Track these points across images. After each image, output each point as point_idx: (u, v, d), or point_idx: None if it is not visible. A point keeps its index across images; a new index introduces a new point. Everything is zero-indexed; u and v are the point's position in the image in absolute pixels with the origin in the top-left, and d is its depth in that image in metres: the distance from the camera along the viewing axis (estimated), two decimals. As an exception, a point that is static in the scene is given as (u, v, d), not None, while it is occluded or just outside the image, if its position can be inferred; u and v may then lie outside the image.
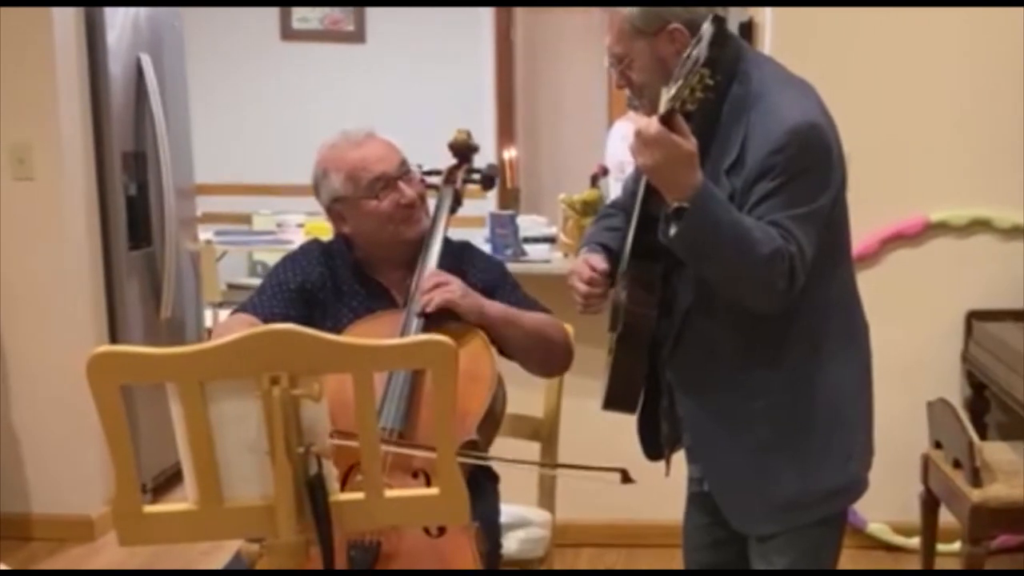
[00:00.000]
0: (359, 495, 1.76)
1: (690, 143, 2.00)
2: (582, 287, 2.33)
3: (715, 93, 2.00)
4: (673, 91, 1.98)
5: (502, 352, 2.60)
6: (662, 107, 2.01)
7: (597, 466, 2.14)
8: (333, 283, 2.63)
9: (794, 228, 2.06)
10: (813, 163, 2.10)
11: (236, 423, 1.67)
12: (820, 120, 2.14)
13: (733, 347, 2.23)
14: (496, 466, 2.64)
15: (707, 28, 1.96)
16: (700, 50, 1.95)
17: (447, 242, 2.65)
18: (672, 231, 2.04)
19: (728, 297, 2.15)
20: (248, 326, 2.45)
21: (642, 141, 2.01)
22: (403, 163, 2.61)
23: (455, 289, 2.49)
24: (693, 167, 2.01)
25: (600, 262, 2.35)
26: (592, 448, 3.81)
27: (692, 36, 2.08)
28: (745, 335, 2.21)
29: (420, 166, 2.71)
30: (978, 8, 3.78)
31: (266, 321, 2.50)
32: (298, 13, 7.17)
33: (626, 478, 2.16)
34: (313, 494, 1.69)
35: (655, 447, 2.44)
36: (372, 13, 7.15)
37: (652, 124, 2.01)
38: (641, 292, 2.24)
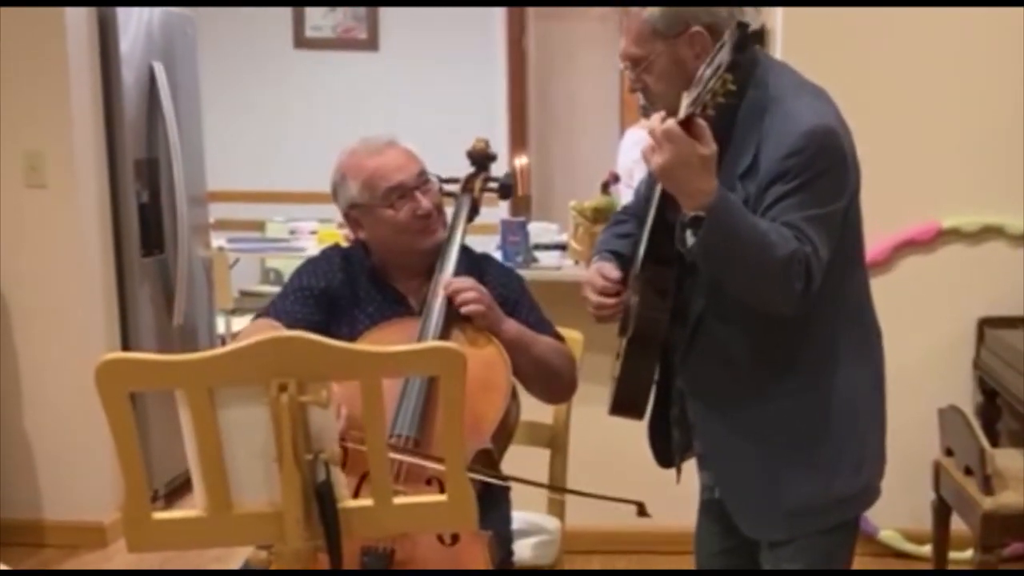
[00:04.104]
0: (367, 502, 1.76)
1: (708, 148, 1.96)
2: (595, 298, 2.33)
3: (737, 98, 1.98)
4: (695, 95, 1.96)
5: None
6: (682, 112, 1.98)
7: (615, 497, 2.13)
8: (351, 288, 2.62)
9: (809, 229, 2.04)
10: (828, 166, 2.09)
11: (244, 430, 1.67)
12: (835, 125, 2.13)
13: (747, 352, 2.22)
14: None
15: (730, 33, 1.94)
16: (723, 55, 1.93)
17: (465, 251, 2.64)
18: (689, 240, 2.02)
19: (746, 301, 2.13)
20: (271, 330, 2.45)
21: (655, 138, 1.97)
22: (421, 173, 2.59)
23: (485, 301, 2.49)
24: (708, 173, 1.97)
25: (612, 271, 2.35)
26: (602, 455, 3.84)
27: (713, 40, 2.07)
28: (760, 339, 2.20)
29: (439, 176, 2.70)
30: (991, 13, 3.78)
31: (289, 326, 2.45)
32: (311, 21, 7.18)
33: (642, 511, 2.15)
34: (321, 501, 1.70)
35: (666, 455, 2.44)
36: (385, 21, 7.16)
37: (668, 121, 1.96)
38: (654, 296, 2.22)
